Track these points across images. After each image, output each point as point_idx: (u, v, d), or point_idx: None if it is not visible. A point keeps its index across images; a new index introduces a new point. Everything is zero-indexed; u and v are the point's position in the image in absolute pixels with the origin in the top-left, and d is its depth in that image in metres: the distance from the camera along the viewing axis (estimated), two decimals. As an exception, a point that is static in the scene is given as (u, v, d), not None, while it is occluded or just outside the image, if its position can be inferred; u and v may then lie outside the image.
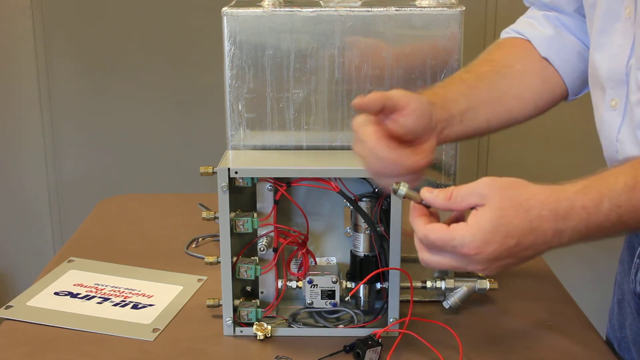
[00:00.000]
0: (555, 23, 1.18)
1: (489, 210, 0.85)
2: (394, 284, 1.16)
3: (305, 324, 1.20)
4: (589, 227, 0.85)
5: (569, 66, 1.16)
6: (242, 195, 1.20)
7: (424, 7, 1.20)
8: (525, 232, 0.85)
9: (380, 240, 1.17)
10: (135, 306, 1.28)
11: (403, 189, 0.92)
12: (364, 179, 1.17)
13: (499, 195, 0.85)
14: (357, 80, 1.22)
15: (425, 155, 1.01)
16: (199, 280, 1.37)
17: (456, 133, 1.07)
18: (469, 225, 0.86)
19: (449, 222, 0.89)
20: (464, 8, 1.20)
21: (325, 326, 1.19)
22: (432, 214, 0.92)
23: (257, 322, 1.18)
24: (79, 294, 1.32)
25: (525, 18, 1.22)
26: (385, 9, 1.20)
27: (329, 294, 1.18)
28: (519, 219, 0.84)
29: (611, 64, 1.02)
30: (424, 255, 0.90)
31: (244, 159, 1.21)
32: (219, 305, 1.19)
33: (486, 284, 1.26)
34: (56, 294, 1.32)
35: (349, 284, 1.19)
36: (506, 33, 1.22)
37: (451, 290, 1.25)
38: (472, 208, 0.87)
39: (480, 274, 1.30)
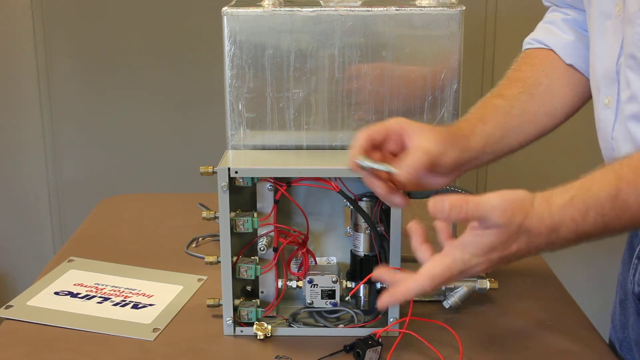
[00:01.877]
0: (574, 26, 1.18)
1: (494, 236, 0.88)
2: (394, 283, 1.16)
3: (305, 324, 1.20)
4: (578, 235, 0.88)
5: None
6: (242, 195, 1.20)
7: (424, 7, 1.20)
8: (522, 247, 0.89)
9: (380, 240, 1.17)
10: (136, 306, 1.28)
11: (365, 160, 0.99)
12: (364, 178, 1.17)
13: (508, 230, 0.87)
14: (357, 80, 1.22)
15: (450, 178, 1.07)
16: (199, 280, 1.37)
17: (487, 160, 1.11)
18: (466, 241, 0.90)
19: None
20: (464, 8, 1.20)
21: (325, 326, 1.19)
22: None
23: (257, 322, 1.18)
24: (79, 293, 1.32)
25: (544, 24, 1.22)
26: (385, 8, 1.20)
27: (329, 294, 1.18)
28: (518, 243, 0.88)
29: (604, 63, 1.03)
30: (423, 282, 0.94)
31: (244, 158, 1.21)
32: (219, 305, 1.19)
33: (486, 284, 1.26)
34: (56, 293, 1.32)
35: (349, 284, 1.19)
36: (528, 44, 1.22)
37: (451, 290, 1.25)
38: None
39: (481, 273, 1.30)
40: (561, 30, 1.18)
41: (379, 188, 1.02)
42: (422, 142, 1.01)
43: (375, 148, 1.02)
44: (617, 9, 1.00)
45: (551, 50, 1.18)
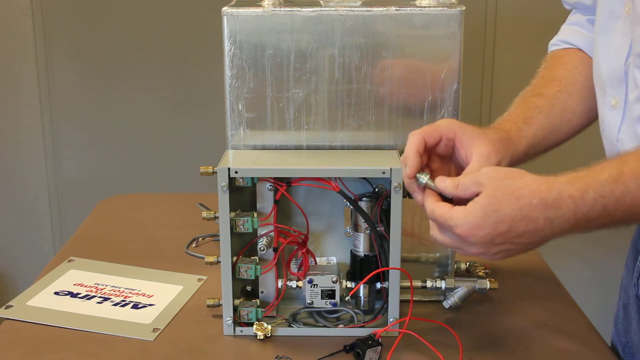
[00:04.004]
0: None
1: (483, 197, 0.90)
2: (394, 283, 1.16)
3: (305, 324, 1.20)
4: (577, 217, 0.88)
5: None
6: (242, 195, 1.20)
7: (424, 7, 1.20)
8: (516, 219, 0.89)
9: (380, 240, 1.17)
10: (135, 306, 1.28)
11: (424, 178, 0.97)
12: (364, 178, 1.17)
13: (494, 183, 0.90)
14: (357, 80, 1.22)
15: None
16: (199, 280, 1.37)
17: (523, 162, 1.12)
18: (465, 209, 0.91)
19: None
20: (464, 8, 1.20)
21: (325, 326, 1.19)
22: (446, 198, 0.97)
23: (257, 322, 1.18)
24: (79, 293, 1.32)
25: (570, 25, 1.23)
26: (385, 8, 1.20)
27: (329, 294, 1.18)
28: (510, 207, 0.89)
29: (611, 63, 1.03)
30: (433, 231, 0.96)
31: (244, 158, 1.21)
32: (219, 305, 1.19)
33: (486, 284, 1.26)
34: (56, 293, 1.32)
35: (349, 284, 1.19)
36: (555, 45, 1.23)
37: (451, 290, 1.25)
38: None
39: (481, 273, 1.30)
40: (587, 30, 1.19)
41: (420, 198, 1.01)
42: (482, 149, 1.01)
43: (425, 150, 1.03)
44: (626, 9, 1.00)
45: (579, 49, 1.18)
